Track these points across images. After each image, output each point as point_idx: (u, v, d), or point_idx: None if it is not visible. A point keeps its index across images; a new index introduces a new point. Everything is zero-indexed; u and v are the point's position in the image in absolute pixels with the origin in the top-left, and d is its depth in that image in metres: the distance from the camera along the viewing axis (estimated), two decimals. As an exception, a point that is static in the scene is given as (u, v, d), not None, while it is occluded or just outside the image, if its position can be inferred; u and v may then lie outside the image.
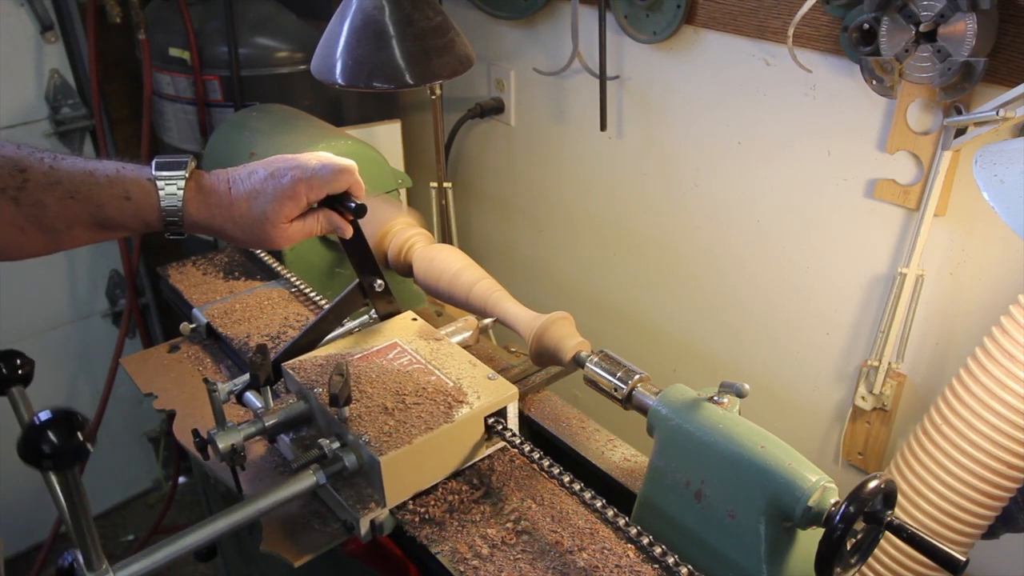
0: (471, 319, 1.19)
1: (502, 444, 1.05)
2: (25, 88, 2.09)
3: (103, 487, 2.53)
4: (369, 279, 1.14)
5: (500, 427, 1.02)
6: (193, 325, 1.34)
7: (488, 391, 1.02)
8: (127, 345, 2.38)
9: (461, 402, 1.01)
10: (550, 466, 0.98)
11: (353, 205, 1.02)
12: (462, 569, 0.90)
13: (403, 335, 1.13)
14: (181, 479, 2.60)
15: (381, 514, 0.97)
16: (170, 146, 2.00)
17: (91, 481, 2.34)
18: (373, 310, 1.19)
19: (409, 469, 0.97)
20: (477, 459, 1.04)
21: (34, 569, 2.35)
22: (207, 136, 1.89)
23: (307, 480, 0.94)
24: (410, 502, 0.99)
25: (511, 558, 0.91)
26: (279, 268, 1.44)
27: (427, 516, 0.97)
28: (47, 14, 2.06)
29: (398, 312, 1.19)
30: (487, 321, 1.15)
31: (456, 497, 1.00)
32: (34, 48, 2.07)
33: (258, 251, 1.49)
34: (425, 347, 1.11)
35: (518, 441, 1.01)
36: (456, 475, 1.03)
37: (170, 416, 1.17)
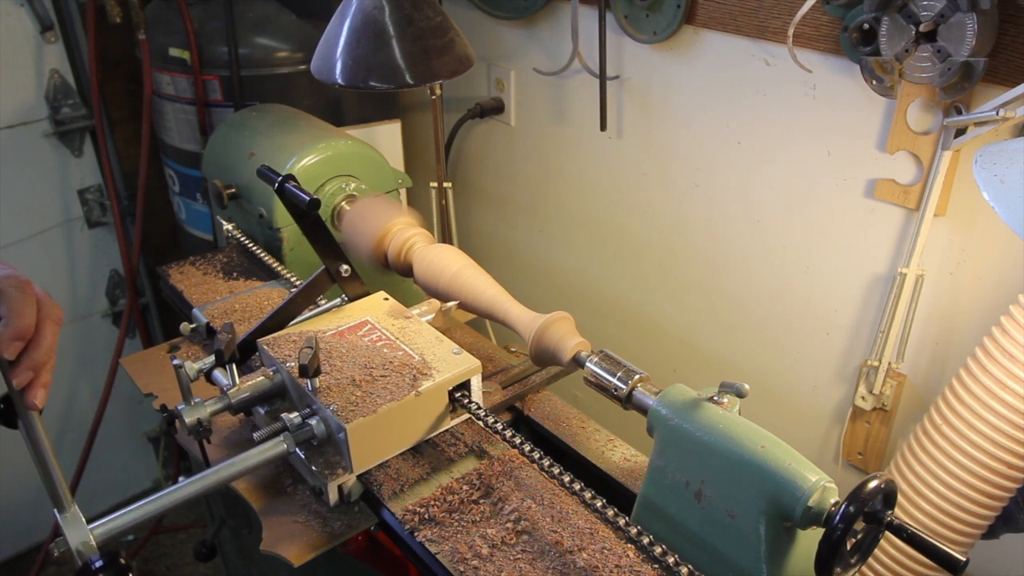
0: (434, 302, 1.22)
1: (466, 416, 1.10)
2: (25, 88, 2.09)
3: (103, 487, 2.54)
4: (335, 264, 1.18)
5: (463, 399, 1.06)
6: (193, 325, 1.34)
7: (452, 365, 1.07)
8: (127, 345, 2.38)
9: (426, 375, 1.05)
10: (550, 466, 0.98)
11: (308, 199, 1.06)
12: (462, 569, 0.90)
13: (374, 313, 1.18)
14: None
15: (349, 480, 1.02)
16: (170, 146, 2.00)
17: (91, 481, 2.34)
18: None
19: (375, 437, 1.01)
20: (441, 430, 1.09)
21: (34, 569, 2.35)
22: (207, 136, 1.89)
23: (277, 448, 0.99)
24: (410, 502, 0.99)
25: (511, 558, 0.91)
26: (279, 268, 1.44)
27: (427, 516, 0.97)
28: (47, 14, 2.06)
29: (367, 294, 1.23)
30: (449, 305, 1.17)
31: (456, 497, 1.00)
32: (34, 48, 2.08)
33: (258, 251, 1.49)
34: (394, 325, 1.15)
35: (481, 413, 1.05)
36: (456, 475, 1.03)
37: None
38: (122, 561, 0.80)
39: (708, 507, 0.87)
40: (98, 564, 0.80)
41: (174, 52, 1.86)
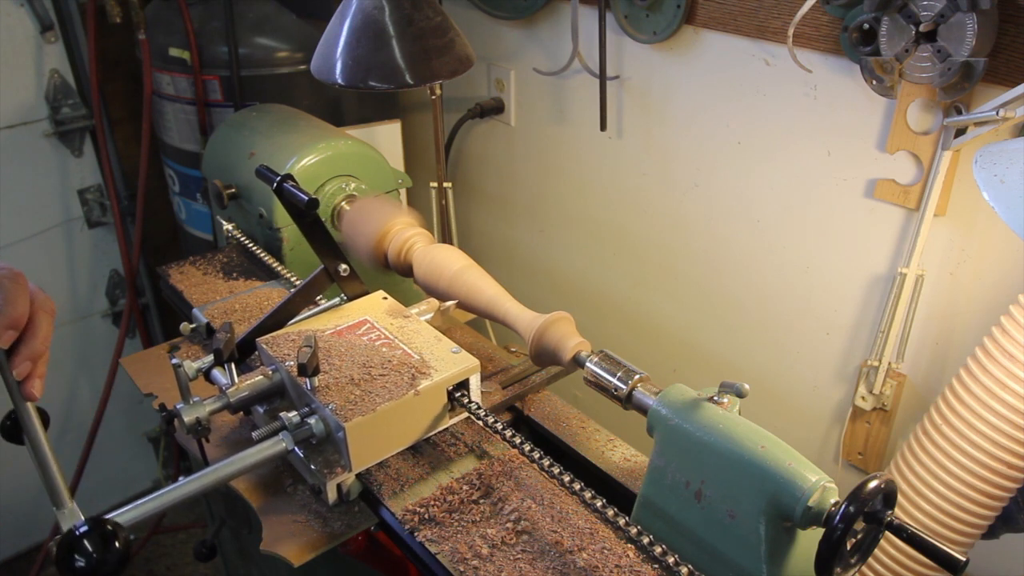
0: (432, 301, 1.22)
1: (465, 415, 1.10)
2: (25, 88, 2.09)
3: (103, 487, 2.54)
4: (333, 264, 1.18)
5: (462, 398, 1.06)
6: (193, 325, 1.34)
7: (451, 364, 1.07)
8: (127, 345, 2.38)
9: (424, 374, 1.05)
10: (550, 466, 0.98)
11: (306, 199, 1.07)
12: (462, 569, 0.90)
13: (373, 312, 1.18)
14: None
15: (347, 479, 1.02)
16: (170, 146, 2.00)
17: (91, 481, 2.34)
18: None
19: (374, 436, 1.01)
20: (440, 429, 1.09)
21: (34, 569, 2.35)
22: (207, 136, 1.89)
23: (276, 446, 0.99)
24: (410, 502, 0.99)
25: (511, 558, 0.91)
26: (279, 268, 1.44)
27: (427, 516, 0.97)
28: (47, 14, 2.06)
29: (366, 293, 1.24)
30: (447, 304, 1.18)
31: (456, 497, 1.00)
32: (34, 48, 2.08)
33: (258, 251, 1.49)
34: (393, 324, 1.16)
35: (480, 412, 1.05)
36: (456, 475, 1.03)
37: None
38: (108, 528, 0.77)
39: (708, 507, 0.87)
40: (83, 529, 0.77)
41: (174, 52, 1.86)
